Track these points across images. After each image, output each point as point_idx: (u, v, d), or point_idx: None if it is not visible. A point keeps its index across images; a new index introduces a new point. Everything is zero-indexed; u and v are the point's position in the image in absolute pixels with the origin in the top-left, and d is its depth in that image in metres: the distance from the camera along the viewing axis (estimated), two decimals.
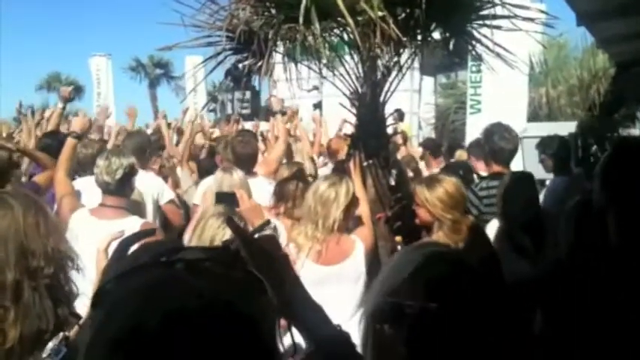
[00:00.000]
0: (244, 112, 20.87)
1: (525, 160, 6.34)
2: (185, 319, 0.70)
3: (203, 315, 0.70)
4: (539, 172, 5.27)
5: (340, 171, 3.93)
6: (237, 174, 3.95)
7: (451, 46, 4.08)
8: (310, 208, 3.28)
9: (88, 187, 3.98)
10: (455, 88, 15.88)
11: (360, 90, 3.88)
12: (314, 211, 3.25)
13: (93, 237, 3.21)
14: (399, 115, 7.78)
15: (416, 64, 6.03)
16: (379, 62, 3.78)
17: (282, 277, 1.14)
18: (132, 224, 3.39)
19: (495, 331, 1.06)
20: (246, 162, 4.95)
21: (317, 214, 3.24)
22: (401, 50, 3.74)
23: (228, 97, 22.11)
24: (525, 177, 3.67)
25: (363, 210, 3.54)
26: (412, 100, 14.05)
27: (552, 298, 2.15)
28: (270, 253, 1.18)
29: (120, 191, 3.56)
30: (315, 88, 15.49)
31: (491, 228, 3.53)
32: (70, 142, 3.87)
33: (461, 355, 1.05)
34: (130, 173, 3.59)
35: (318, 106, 16.25)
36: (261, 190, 4.31)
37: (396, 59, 3.77)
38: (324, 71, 3.91)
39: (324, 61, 3.82)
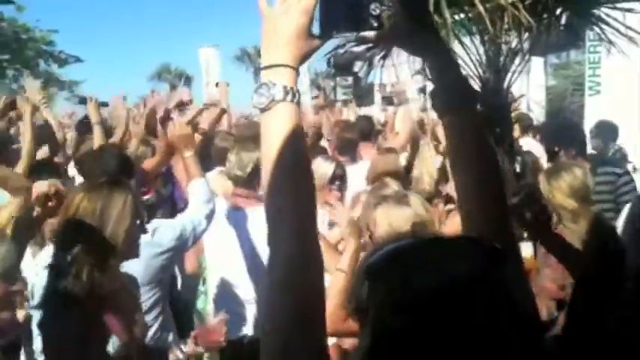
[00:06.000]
0: (345, 97, 21.00)
1: None
2: (469, 285, 0.82)
3: (483, 281, 0.82)
4: None
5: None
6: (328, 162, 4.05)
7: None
8: None
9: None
10: (568, 69, 15.21)
11: (482, 75, 3.84)
12: None
13: (230, 224, 3.44)
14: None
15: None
16: (503, 47, 3.73)
17: None
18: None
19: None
20: (348, 147, 5.04)
21: None
22: (526, 34, 3.67)
23: (331, 84, 22.32)
24: None
25: None
26: (521, 81, 13.56)
27: None
28: None
29: (250, 183, 3.71)
30: (419, 72, 15.30)
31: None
32: None
33: None
34: (259, 165, 3.76)
35: (422, 90, 16.05)
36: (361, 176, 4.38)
37: (518, 43, 3.71)
38: None
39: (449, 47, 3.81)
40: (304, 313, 0.96)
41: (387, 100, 15.48)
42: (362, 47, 4.00)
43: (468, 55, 3.84)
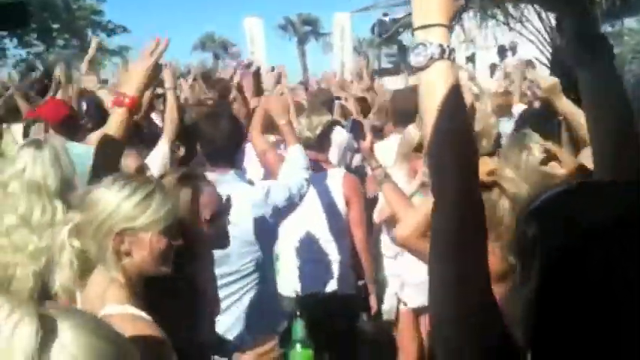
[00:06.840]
0: (389, 66, 20.84)
1: None
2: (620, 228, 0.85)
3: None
4: None
5: None
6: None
7: None
8: None
9: None
10: (623, 37, 14.74)
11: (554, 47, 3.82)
12: None
13: None
14: None
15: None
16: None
17: None
18: (335, 174, 3.63)
19: None
20: (404, 118, 5.01)
21: None
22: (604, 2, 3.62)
23: (376, 53, 22.19)
24: None
25: None
26: None
27: None
28: None
29: (319, 145, 3.77)
30: (467, 40, 14.99)
31: None
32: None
33: None
34: (328, 129, 3.81)
35: (471, 59, 15.76)
36: None
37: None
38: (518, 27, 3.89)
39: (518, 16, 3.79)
40: (465, 269, 0.99)
41: None
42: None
43: (541, 21, 3.82)
